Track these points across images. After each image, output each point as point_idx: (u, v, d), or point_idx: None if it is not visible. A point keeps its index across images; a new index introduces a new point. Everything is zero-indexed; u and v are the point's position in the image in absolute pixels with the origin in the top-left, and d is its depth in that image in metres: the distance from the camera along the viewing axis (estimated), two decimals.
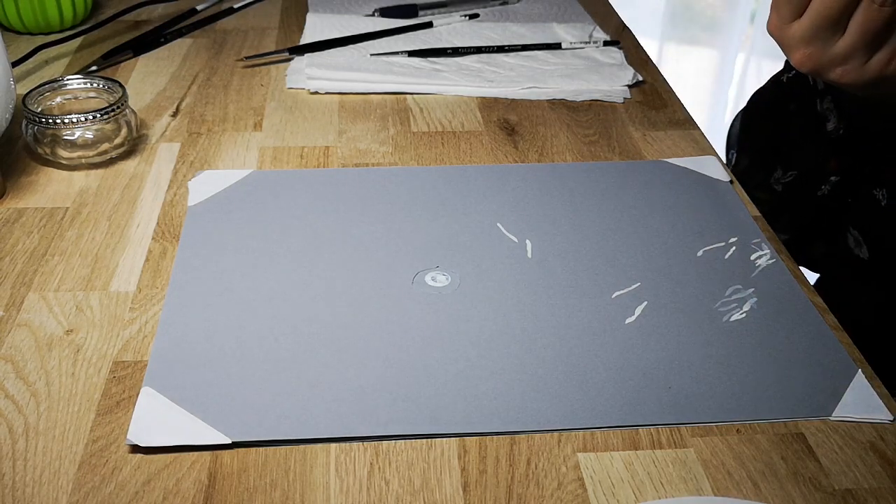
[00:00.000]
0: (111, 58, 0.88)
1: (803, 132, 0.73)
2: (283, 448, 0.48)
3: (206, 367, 0.52)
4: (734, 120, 0.88)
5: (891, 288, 0.73)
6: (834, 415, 0.50)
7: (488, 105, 0.83)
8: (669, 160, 0.74)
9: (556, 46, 0.92)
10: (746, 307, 0.58)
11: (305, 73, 0.86)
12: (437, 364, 0.53)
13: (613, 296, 0.58)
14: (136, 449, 0.47)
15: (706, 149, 0.76)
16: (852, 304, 0.74)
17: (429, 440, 0.48)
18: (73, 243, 0.63)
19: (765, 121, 0.81)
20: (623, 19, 1.03)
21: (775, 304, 0.58)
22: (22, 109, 0.70)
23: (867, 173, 0.71)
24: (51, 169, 0.71)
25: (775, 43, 0.60)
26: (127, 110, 0.72)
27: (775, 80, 0.80)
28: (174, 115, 0.80)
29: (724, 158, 0.81)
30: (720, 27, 2.25)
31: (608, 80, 0.86)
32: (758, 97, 0.85)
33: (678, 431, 0.49)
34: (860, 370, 0.53)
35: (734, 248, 0.63)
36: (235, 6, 1.01)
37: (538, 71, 0.88)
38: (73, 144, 0.70)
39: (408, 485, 0.46)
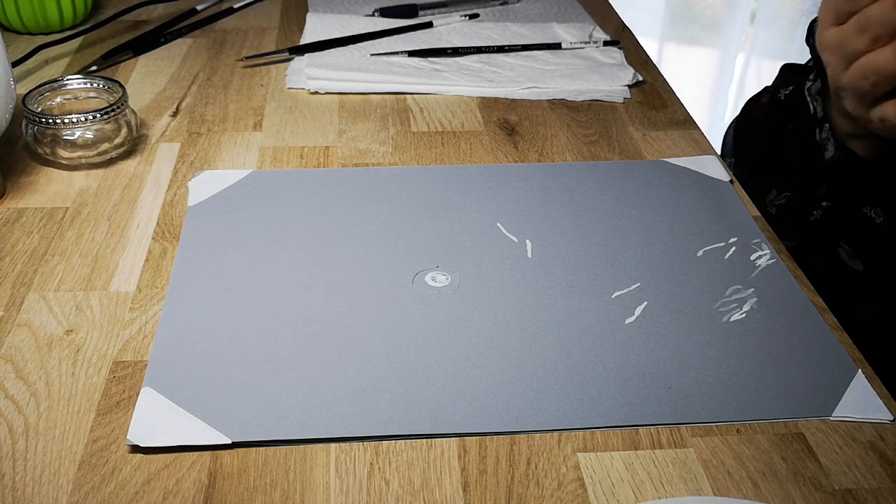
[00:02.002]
0: (111, 58, 0.88)
1: (800, 157, 0.73)
2: (283, 448, 0.48)
3: (206, 367, 0.52)
4: (728, 129, 0.88)
5: (888, 296, 0.74)
6: (834, 415, 0.50)
7: (488, 105, 0.83)
8: (669, 160, 0.74)
9: (556, 46, 0.92)
10: (746, 307, 0.58)
11: (305, 73, 0.86)
12: (437, 364, 0.53)
13: (613, 296, 0.58)
14: (136, 449, 0.47)
15: (706, 149, 0.76)
16: (851, 304, 0.74)
17: (429, 440, 0.48)
18: (73, 243, 0.63)
19: (761, 137, 0.80)
20: (623, 19, 1.03)
21: (775, 304, 0.58)
22: (22, 109, 0.70)
23: (857, 196, 0.71)
24: (51, 169, 0.71)
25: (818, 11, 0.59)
26: (127, 110, 0.72)
27: (773, 95, 0.79)
28: (174, 115, 0.80)
29: None
30: (720, 27, 2.25)
31: (608, 80, 0.86)
32: (750, 107, 0.85)
33: (678, 431, 0.49)
34: (860, 370, 0.53)
35: (734, 248, 0.63)
36: (235, 6, 1.01)
37: (538, 71, 0.88)
38: (73, 144, 0.70)
39: (408, 485, 0.46)
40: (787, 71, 0.83)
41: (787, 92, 0.75)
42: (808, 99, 0.70)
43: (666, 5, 2.21)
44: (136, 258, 0.61)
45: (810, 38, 0.74)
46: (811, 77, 0.72)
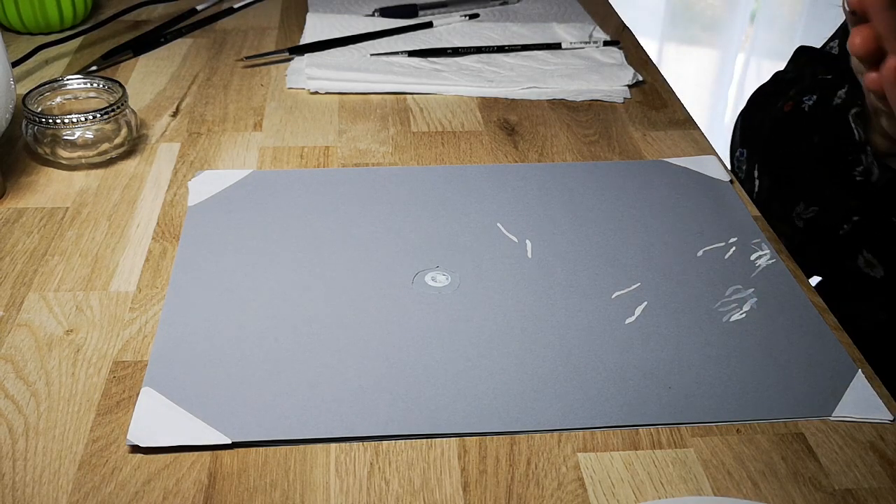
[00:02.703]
0: (111, 58, 0.88)
1: (831, 173, 0.71)
2: (283, 448, 0.48)
3: (206, 367, 0.52)
4: (736, 122, 0.87)
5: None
6: (834, 415, 0.50)
7: (488, 105, 0.83)
8: (669, 160, 0.74)
9: (556, 46, 0.92)
10: (746, 307, 0.58)
11: (305, 73, 0.86)
12: (437, 364, 0.53)
13: (613, 296, 0.58)
14: (136, 449, 0.47)
15: (706, 149, 0.76)
16: (853, 307, 0.74)
17: (429, 440, 0.48)
18: (73, 243, 0.63)
19: (785, 148, 0.78)
20: (623, 19, 1.03)
21: (775, 304, 0.58)
22: (22, 109, 0.70)
23: (888, 207, 0.70)
24: (51, 169, 0.71)
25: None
26: (127, 110, 0.72)
27: (796, 104, 0.78)
28: (174, 115, 0.80)
29: (728, 158, 0.81)
30: (720, 27, 2.25)
31: (608, 80, 0.86)
32: (759, 96, 0.84)
33: (678, 431, 0.49)
34: (860, 370, 0.53)
35: (734, 248, 0.63)
36: (235, 6, 1.01)
37: (538, 71, 0.88)
38: (73, 144, 0.70)
39: (408, 485, 0.46)
40: (801, 53, 0.82)
41: (811, 102, 0.74)
42: (853, 126, 0.69)
43: (666, 5, 2.21)
44: (136, 258, 0.61)
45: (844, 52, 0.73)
46: (841, 94, 0.70)
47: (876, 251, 0.72)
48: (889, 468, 0.47)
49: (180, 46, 0.93)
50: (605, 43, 0.93)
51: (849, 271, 0.75)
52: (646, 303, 0.58)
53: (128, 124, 0.72)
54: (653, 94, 0.85)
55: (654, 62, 0.93)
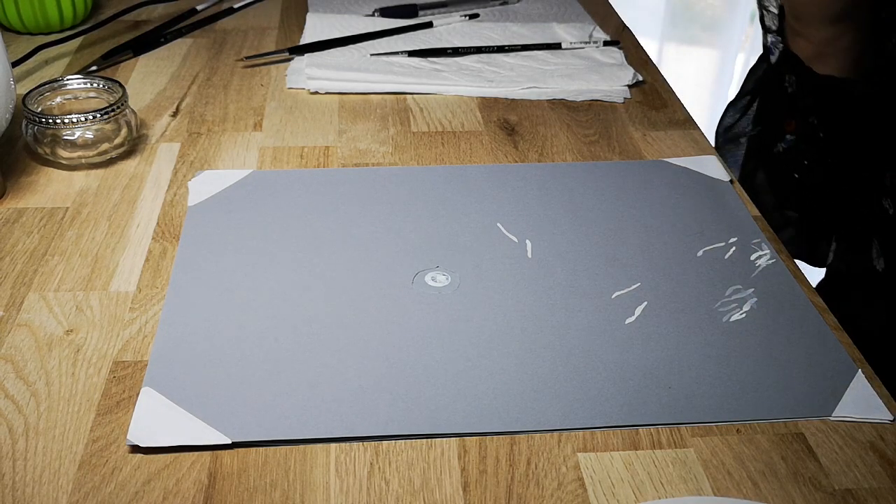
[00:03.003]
0: (111, 58, 0.88)
1: (767, 88, 0.79)
2: (283, 448, 0.48)
3: (206, 367, 0.52)
4: None
5: None
6: (834, 415, 0.50)
7: (488, 105, 0.83)
8: (669, 160, 0.74)
9: (556, 46, 0.92)
10: (746, 307, 0.58)
11: (305, 73, 0.86)
12: (437, 364, 0.53)
13: (613, 296, 0.58)
14: (136, 449, 0.47)
15: (706, 149, 0.76)
16: (855, 302, 0.74)
17: (429, 440, 0.48)
18: (73, 243, 0.63)
19: (751, 85, 0.88)
20: (623, 19, 1.03)
21: (775, 304, 0.58)
22: (22, 109, 0.70)
23: (871, 182, 0.71)
24: (51, 169, 0.71)
25: None
26: (127, 110, 0.72)
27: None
28: (174, 115, 0.80)
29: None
30: (720, 27, 2.25)
31: (608, 80, 0.86)
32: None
33: (678, 431, 0.49)
34: (860, 370, 0.53)
35: (734, 248, 0.63)
36: (235, 6, 1.01)
37: (538, 71, 0.88)
38: (73, 144, 0.70)
39: (408, 485, 0.46)
40: None
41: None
42: (759, 8, 0.78)
43: (666, 5, 2.21)
44: (136, 258, 0.61)
45: None
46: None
47: (880, 240, 0.73)
48: (889, 468, 0.47)
49: (180, 46, 0.93)
50: (605, 43, 0.93)
51: (862, 263, 0.75)
52: (646, 303, 0.58)
53: (128, 124, 0.72)
54: (653, 94, 0.85)
55: (654, 62, 0.93)
